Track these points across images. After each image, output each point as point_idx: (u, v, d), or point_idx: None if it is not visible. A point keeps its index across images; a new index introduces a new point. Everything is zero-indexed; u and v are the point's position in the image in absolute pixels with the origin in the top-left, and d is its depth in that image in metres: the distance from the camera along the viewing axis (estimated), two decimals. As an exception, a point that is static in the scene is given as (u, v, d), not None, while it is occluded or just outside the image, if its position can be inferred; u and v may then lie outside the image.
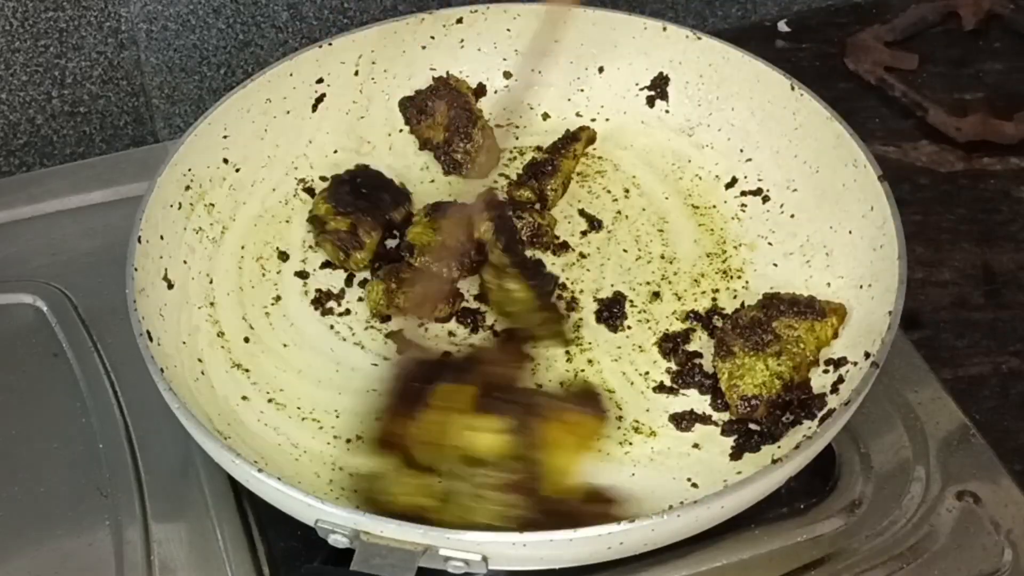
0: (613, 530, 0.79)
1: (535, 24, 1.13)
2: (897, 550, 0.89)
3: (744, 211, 1.08)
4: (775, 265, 1.04)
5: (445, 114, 1.11)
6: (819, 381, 0.94)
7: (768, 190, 1.08)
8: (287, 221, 1.08)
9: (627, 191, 1.11)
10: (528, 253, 1.04)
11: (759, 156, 1.09)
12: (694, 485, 0.90)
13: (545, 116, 1.16)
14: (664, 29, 1.11)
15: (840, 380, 0.93)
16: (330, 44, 1.10)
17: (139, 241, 0.94)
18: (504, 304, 1.00)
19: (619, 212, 1.09)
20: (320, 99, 1.11)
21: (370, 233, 1.04)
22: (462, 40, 1.15)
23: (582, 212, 1.09)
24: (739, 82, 1.10)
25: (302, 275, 1.04)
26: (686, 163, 1.12)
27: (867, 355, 0.90)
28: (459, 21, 1.14)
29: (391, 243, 1.05)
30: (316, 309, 1.02)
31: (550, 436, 0.88)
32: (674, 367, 0.97)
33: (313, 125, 1.11)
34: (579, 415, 0.91)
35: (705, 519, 0.82)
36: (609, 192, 1.11)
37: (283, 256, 1.05)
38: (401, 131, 1.14)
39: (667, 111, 1.14)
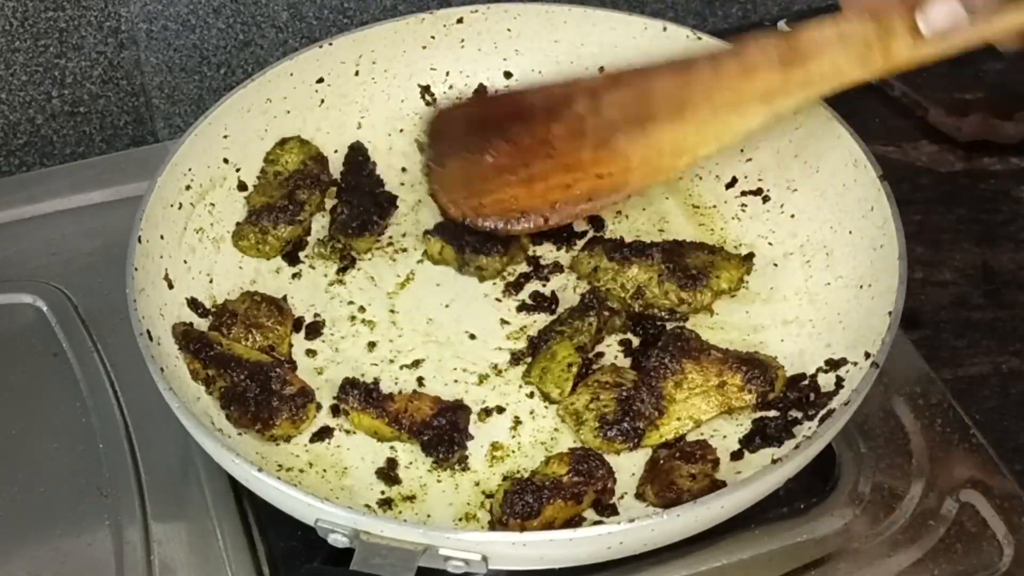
0: (613, 530, 0.79)
1: (535, 24, 1.13)
2: (897, 550, 0.89)
3: (744, 211, 1.08)
4: (775, 265, 1.03)
5: None
6: (819, 381, 0.94)
7: (768, 190, 1.08)
8: (287, 221, 1.08)
9: (627, 191, 1.11)
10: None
11: (759, 156, 1.08)
12: (694, 485, 0.90)
13: (545, 116, 1.16)
14: (664, 29, 1.11)
15: (840, 380, 0.92)
16: (330, 44, 1.10)
17: (139, 241, 0.94)
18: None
19: (619, 212, 1.09)
20: (320, 99, 1.11)
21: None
22: (462, 40, 1.15)
23: (583, 212, 1.09)
24: (739, 82, 1.10)
25: (298, 276, 1.04)
26: (686, 163, 1.12)
27: (867, 355, 0.90)
28: (459, 21, 1.14)
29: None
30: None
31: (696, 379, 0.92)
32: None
33: (313, 125, 1.11)
34: (740, 376, 0.92)
35: (705, 519, 0.82)
36: (609, 192, 1.11)
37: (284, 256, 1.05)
38: (401, 131, 1.14)
39: (667, 111, 1.14)
